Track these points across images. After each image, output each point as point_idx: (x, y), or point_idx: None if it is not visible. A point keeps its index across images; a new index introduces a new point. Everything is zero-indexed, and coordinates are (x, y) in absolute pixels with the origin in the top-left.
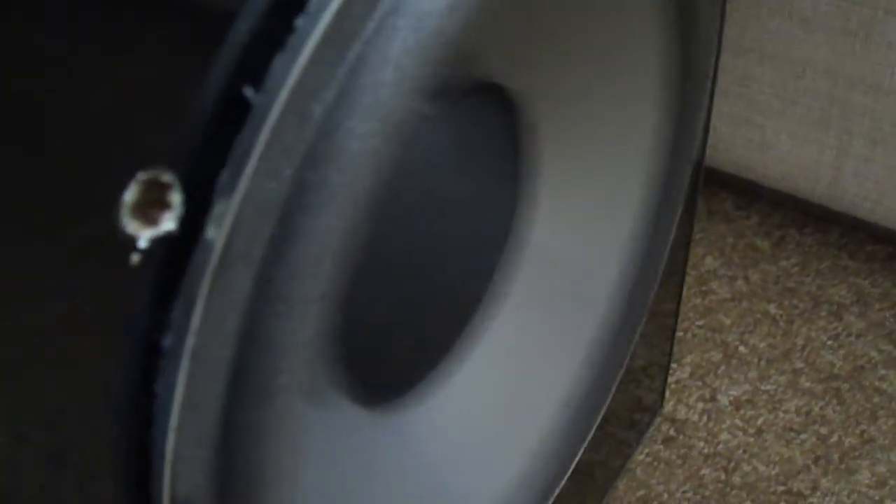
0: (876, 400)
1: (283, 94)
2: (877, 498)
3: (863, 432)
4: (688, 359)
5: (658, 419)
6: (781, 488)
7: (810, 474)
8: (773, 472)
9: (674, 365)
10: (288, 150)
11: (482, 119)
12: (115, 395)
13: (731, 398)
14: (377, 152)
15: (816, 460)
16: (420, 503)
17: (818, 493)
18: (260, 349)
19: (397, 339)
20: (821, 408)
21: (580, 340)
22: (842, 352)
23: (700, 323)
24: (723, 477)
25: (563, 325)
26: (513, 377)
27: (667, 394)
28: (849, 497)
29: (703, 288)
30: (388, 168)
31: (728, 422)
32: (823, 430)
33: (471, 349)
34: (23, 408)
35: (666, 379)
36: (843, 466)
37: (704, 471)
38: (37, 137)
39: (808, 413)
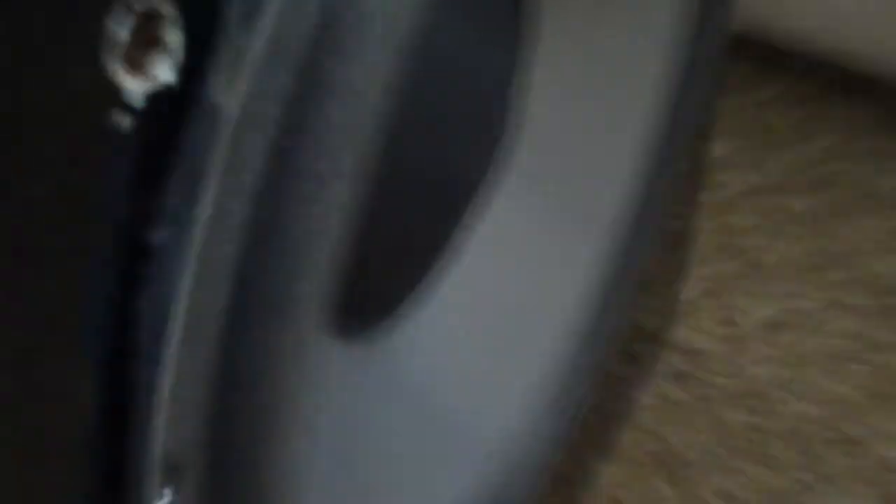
0: None
1: None
2: None
3: None
4: (699, 271)
5: (666, 350)
6: (830, 434)
7: (865, 414)
8: (819, 413)
9: (682, 281)
10: None
11: None
12: (83, 317)
13: (758, 321)
14: None
15: (872, 396)
16: (427, 448)
17: (879, 438)
18: (276, 246)
19: (377, 246)
20: (872, 329)
21: (589, 244)
22: (893, 258)
23: (711, 225)
24: (755, 421)
25: (569, 223)
26: (509, 293)
27: (675, 318)
28: None
29: (713, 180)
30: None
31: (756, 351)
32: (878, 359)
33: (461, 257)
34: None
35: (676, 299)
36: None
37: (730, 415)
38: None
39: (857, 337)
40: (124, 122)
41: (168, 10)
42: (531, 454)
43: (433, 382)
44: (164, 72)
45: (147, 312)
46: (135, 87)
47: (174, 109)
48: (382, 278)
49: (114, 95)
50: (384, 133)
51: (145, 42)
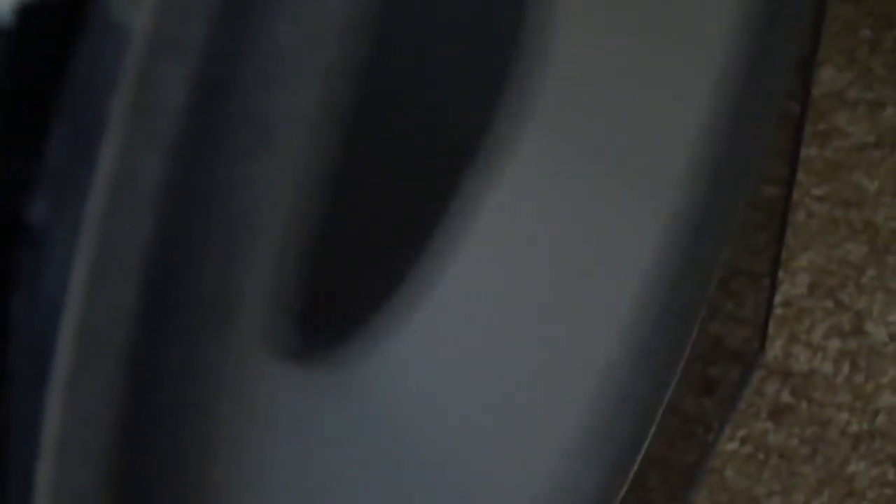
0: None
1: None
2: None
3: None
4: (803, 259)
5: (759, 374)
6: None
7: None
8: None
9: (780, 273)
10: None
11: None
12: None
13: (894, 328)
14: None
15: None
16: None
17: None
18: (205, 224)
19: (347, 234)
20: None
21: (642, 226)
22: None
23: (819, 192)
24: (892, 476)
25: (613, 197)
26: (528, 300)
27: (771, 328)
28: None
29: (821, 126)
30: None
31: (893, 372)
32: None
33: (461, 251)
34: None
35: (771, 301)
36: None
37: (855, 466)
38: None
39: None
40: None
41: None
42: None
43: (422, 422)
44: None
45: (23, 324)
46: None
47: (57, 29)
48: (354, 280)
49: None
50: (354, 64)
51: None
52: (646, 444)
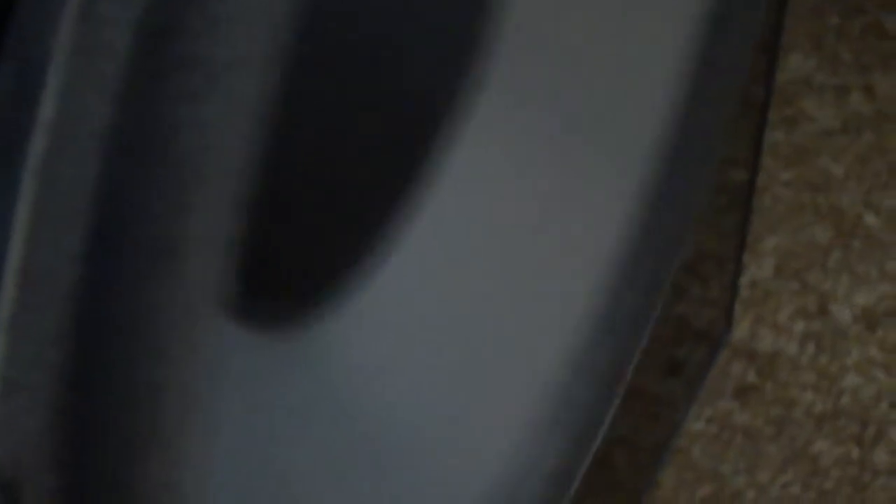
0: None
1: None
2: None
3: None
4: (769, 242)
5: (725, 354)
6: None
7: None
8: None
9: (746, 255)
10: None
11: None
12: None
13: (858, 309)
14: None
15: None
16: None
17: None
18: (152, 168)
19: (304, 189)
20: None
21: (609, 195)
22: None
23: (787, 176)
24: (853, 455)
25: (578, 160)
26: (494, 264)
27: (736, 309)
28: None
29: (789, 111)
30: None
31: (857, 353)
32: None
33: (426, 212)
34: None
35: (736, 281)
36: None
37: (819, 446)
38: None
39: None
40: None
41: None
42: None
43: (381, 391)
44: None
45: None
46: None
47: None
48: (318, 248)
49: None
50: (306, 10)
51: None
52: (609, 417)
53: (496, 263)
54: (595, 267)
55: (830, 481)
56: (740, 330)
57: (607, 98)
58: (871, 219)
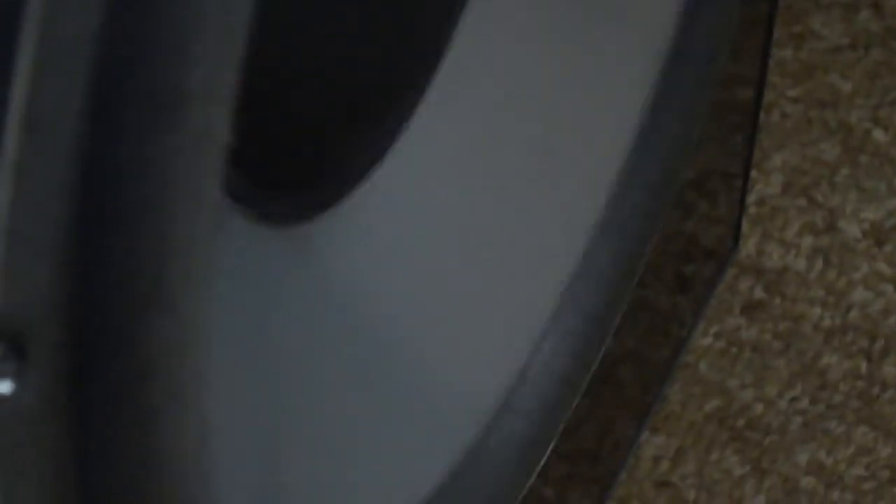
0: None
1: None
2: None
3: None
4: (777, 159)
5: (733, 271)
6: None
7: None
8: None
9: (753, 172)
10: None
11: None
12: None
13: (867, 225)
14: None
15: None
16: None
17: None
18: (154, 14)
19: (311, 105)
20: None
21: (614, 96)
22: None
23: (794, 93)
24: (860, 368)
25: (584, 68)
26: (493, 171)
27: (744, 226)
28: None
29: (797, 28)
30: None
31: (865, 268)
32: None
33: (437, 108)
34: None
35: (744, 198)
36: None
37: (826, 360)
38: None
39: None
40: None
41: None
42: (532, 412)
43: (385, 297)
44: None
45: None
46: None
47: None
48: (319, 138)
49: None
50: None
51: None
52: (614, 323)
53: (498, 166)
54: (598, 169)
55: (839, 395)
56: (748, 246)
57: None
58: (879, 135)
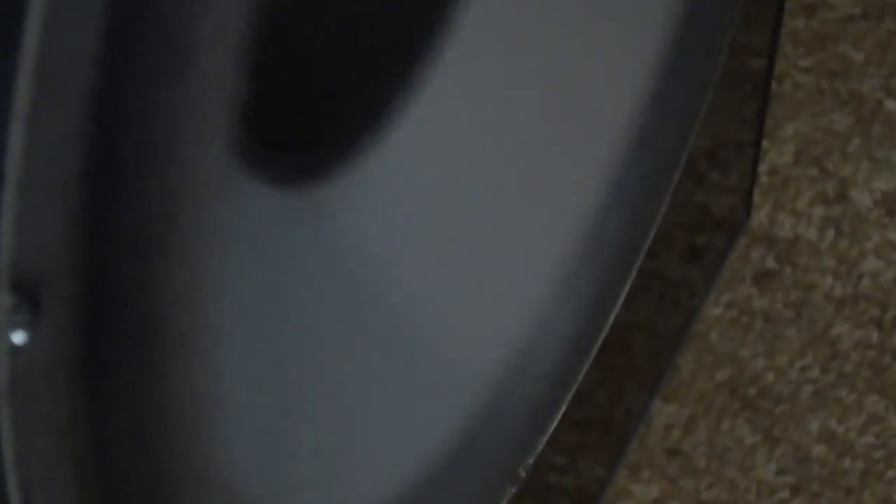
0: None
1: None
2: None
3: None
4: (789, 129)
5: (744, 241)
6: None
7: None
8: None
9: (765, 142)
10: None
11: None
12: None
13: (878, 194)
14: None
15: None
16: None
17: None
18: None
19: (322, 64)
20: None
21: (626, 61)
22: None
23: (806, 63)
24: (871, 338)
25: (596, 29)
26: (501, 137)
27: (756, 196)
28: None
29: None
30: None
31: (876, 237)
32: None
33: (441, 85)
34: None
35: (755, 168)
36: None
37: (837, 329)
38: None
39: None
40: None
41: None
42: (543, 376)
43: (395, 258)
44: None
45: None
46: None
47: None
48: (329, 98)
49: None
50: None
51: None
52: (626, 284)
53: (509, 129)
54: (609, 134)
55: (850, 364)
56: (760, 216)
57: None
58: (891, 104)
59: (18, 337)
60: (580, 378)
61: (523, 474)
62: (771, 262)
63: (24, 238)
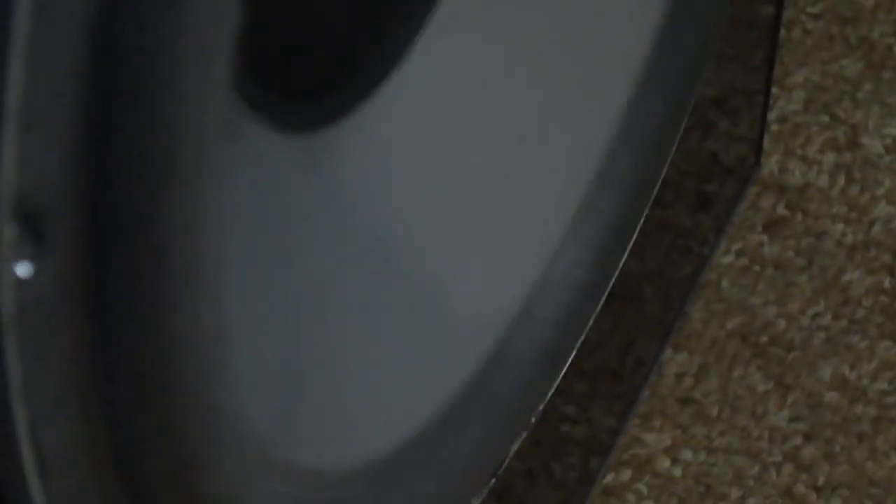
0: None
1: None
2: None
3: None
4: (799, 76)
5: (755, 188)
6: None
7: None
8: None
9: (774, 89)
10: None
11: None
12: None
13: (889, 140)
14: None
15: None
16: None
17: None
18: None
19: (331, 18)
20: None
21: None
22: None
23: (816, 9)
24: (884, 283)
25: None
26: (510, 82)
27: (766, 143)
28: None
29: None
30: None
31: (887, 183)
32: None
33: (446, 33)
34: None
35: (765, 115)
36: None
37: (849, 276)
38: None
39: None
40: None
41: None
42: (552, 321)
43: (402, 204)
44: None
45: None
46: None
47: None
48: (334, 47)
49: None
50: None
51: None
52: (634, 231)
53: (514, 75)
54: (616, 81)
55: (862, 310)
56: (770, 163)
57: None
58: None
59: (23, 269)
60: (590, 323)
61: (533, 420)
62: (781, 210)
63: (28, 171)
